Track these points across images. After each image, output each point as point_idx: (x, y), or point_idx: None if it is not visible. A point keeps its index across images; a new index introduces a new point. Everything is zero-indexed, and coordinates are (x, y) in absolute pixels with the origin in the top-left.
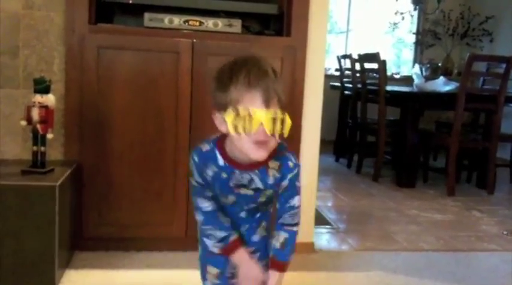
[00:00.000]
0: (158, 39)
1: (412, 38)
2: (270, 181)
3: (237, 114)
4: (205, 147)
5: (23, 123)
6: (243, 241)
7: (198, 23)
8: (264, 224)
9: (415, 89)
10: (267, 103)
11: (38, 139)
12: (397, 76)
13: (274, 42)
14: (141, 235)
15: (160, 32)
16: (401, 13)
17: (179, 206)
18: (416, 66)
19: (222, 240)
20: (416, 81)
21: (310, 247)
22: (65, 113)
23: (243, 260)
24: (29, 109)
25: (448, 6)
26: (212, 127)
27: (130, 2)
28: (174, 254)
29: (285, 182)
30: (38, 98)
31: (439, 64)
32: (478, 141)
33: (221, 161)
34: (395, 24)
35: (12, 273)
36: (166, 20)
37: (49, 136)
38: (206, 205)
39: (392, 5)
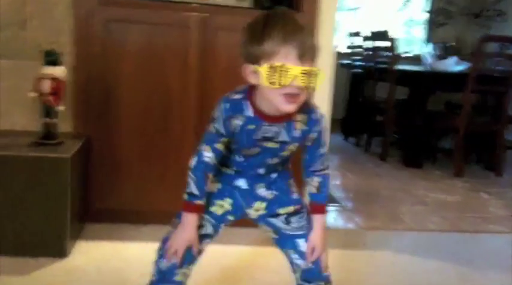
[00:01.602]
0: (168, 12)
1: (424, 16)
2: (297, 133)
3: (272, 67)
4: (236, 96)
5: (32, 94)
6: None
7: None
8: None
9: (428, 68)
10: (301, 58)
11: (49, 111)
12: (408, 55)
13: None
14: (148, 208)
15: (170, 6)
16: None
17: (185, 180)
18: (429, 45)
19: (190, 195)
20: (428, 60)
21: None
22: (75, 86)
23: (190, 224)
24: (38, 81)
25: None
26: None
27: None
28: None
29: (313, 135)
30: (49, 70)
31: (452, 44)
32: (486, 123)
33: (250, 112)
34: (407, 1)
35: (24, 245)
36: None
37: (60, 108)
38: (207, 155)
39: None
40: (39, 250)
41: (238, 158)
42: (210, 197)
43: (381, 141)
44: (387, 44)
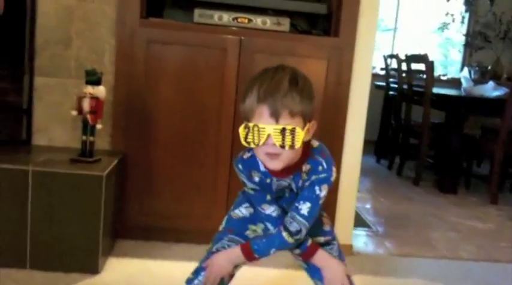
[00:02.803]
0: (207, 35)
1: (461, 38)
2: (300, 183)
3: (247, 127)
4: (246, 154)
5: (74, 112)
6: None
7: (246, 21)
8: None
9: (462, 93)
10: (275, 117)
11: (88, 129)
12: (444, 78)
13: (322, 42)
14: (181, 227)
15: (209, 28)
16: (452, 14)
17: (219, 200)
18: (465, 69)
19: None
20: (464, 84)
21: (348, 249)
22: (114, 104)
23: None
24: (80, 100)
25: (500, 9)
26: None
27: None
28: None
29: (307, 183)
30: (90, 89)
31: (488, 68)
32: None
33: (262, 167)
34: (444, 24)
35: (57, 259)
36: (215, 17)
37: (98, 126)
38: (272, 209)
39: (443, 5)
40: (72, 266)
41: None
42: (244, 222)
43: (415, 165)
44: (423, 66)
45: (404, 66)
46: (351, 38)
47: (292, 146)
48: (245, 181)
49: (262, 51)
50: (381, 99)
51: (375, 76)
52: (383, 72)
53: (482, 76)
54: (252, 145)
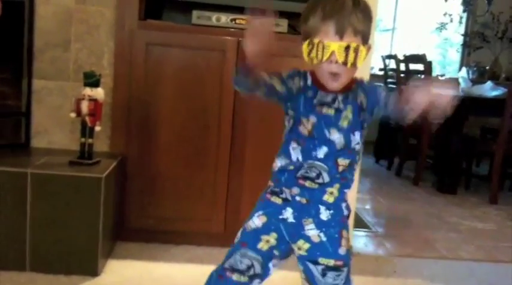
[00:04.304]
0: (205, 36)
1: (459, 38)
2: (359, 101)
3: (311, 43)
4: (300, 69)
5: (72, 115)
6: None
7: (245, 22)
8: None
9: (461, 93)
10: (340, 34)
11: (86, 131)
12: (442, 78)
13: None
14: (181, 229)
15: (208, 30)
16: (450, 14)
17: (219, 202)
18: (463, 69)
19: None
20: (462, 84)
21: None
22: (113, 107)
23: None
24: (78, 102)
25: (497, 9)
26: (254, 125)
27: None
28: (213, 249)
29: (367, 97)
30: (88, 91)
31: (487, 68)
32: None
33: (310, 80)
34: (442, 25)
35: (57, 262)
36: (213, 18)
37: (97, 128)
38: (271, 84)
39: (441, 5)
40: (72, 268)
41: (294, 146)
42: (256, 234)
43: (414, 165)
44: (422, 67)
45: (402, 67)
46: None
47: (354, 64)
48: (285, 73)
49: None
50: None
51: (373, 76)
52: (381, 73)
53: (480, 76)
54: (315, 61)
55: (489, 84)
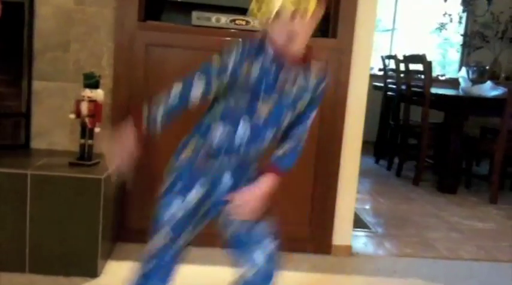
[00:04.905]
0: (205, 37)
1: (459, 38)
2: (310, 83)
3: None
4: (254, 39)
5: (72, 116)
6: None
7: (244, 22)
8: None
9: (461, 93)
10: None
11: (86, 132)
12: (442, 78)
13: (320, 43)
14: None
15: (208, 31)
16: (450, 14)
17: None
18: (463, 69)
19: (166, 114)
20: (462, 84)
21: (347, 250)
22: (112, 108)
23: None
24: (78, 103)
25: (497, 9)
26: None
27: (179, 0)
28: (213, 250)
29: (318, 90)
30: (88, 92)
31: (487, 68)
32: None
33: (271, 50)
34: (442, 25)
35: (56, 262)
36: (213, 19)
37: (96, 130)
38: (195, 93)
39: (440, 5)
40: (71, 269)
41: (233, 127)
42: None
43: (414, 165)
44: (421, 67)
45: (402, 67)
46: (349, 39)
47: (305, 12)
48: (231, 54)
49: None
50: (379, 100)
51: (373, 77)
52: (381, 73)
53: (480, 76)
54: (267, 15)
55: (489, 83)
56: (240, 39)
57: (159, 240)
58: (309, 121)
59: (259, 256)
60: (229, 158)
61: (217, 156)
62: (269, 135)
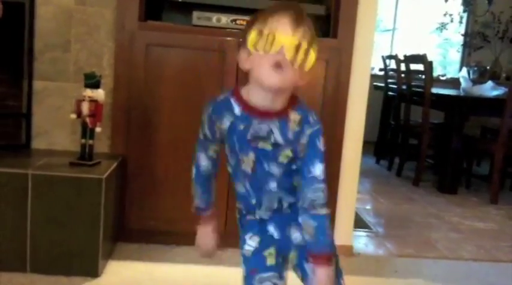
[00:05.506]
0: (205, 37)
1: (459, 38)
2: (290, 135)
3: (260, 33)
4: (220, 97)
5: (73, 116)
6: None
7: (245, 22)
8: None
9: (461, 93)
10: (294, 26)
11: (87, 132)
12: (443, 78)
13: (320, 43)
14: (181, 230)
15: (208, 31)
16: (450, 14)
17: (219, 203)
18: (464, 69)
19: (197, 209)
20: (463, 84)
21: (348, 250)
22: (113, 107)
23: (201, 236)
24: (78, 103)
25: (498, 9)
26: None
27: (180, 0)
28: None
29: (304, 140)
30: (88, 92)
31: (487, 68)
32: None
33: (237, 109)
34: (443, 25)
35: (57, 263)
36: (214, 19)
37: (97, 129)
38: (204, 164)
39: (441, 5)
40: (72, 269)
41: (243, 185)
42: (259, 254)
43: (415, 165)
44: (422, 67)
45: (403, 67)
46: (349, 39)
47: (302, 66)
48: (205, 124)
49: None
50: (380, 100)
51: (374, 77)
52: (382, 73)
53: (481, 76)
54: (261, 51)
55: (490, 83)
56: (206, 106)
57: None
58: (314, 176)
59: None
60: (261, 209)
61: (254, 211)
62: (275, 176)
